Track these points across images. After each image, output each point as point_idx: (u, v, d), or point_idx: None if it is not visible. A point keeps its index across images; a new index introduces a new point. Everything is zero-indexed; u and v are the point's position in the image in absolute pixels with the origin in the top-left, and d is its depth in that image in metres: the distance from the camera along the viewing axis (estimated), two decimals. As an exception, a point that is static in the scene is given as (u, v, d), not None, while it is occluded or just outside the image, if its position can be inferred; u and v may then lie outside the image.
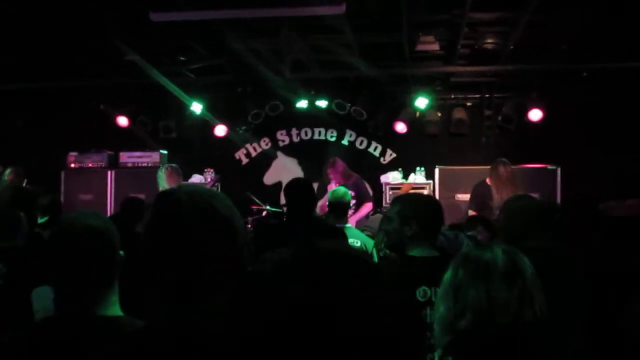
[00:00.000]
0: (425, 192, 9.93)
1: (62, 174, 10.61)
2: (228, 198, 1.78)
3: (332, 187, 8.69)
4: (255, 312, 1.14)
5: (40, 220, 6.06)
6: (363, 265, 1.23)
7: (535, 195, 9.13)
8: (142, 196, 7.78)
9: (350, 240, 5.75)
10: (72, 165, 10.73)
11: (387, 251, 3.72)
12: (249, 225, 8.87)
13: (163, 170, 8.83)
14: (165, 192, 1.80)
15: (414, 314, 2.79)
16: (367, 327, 1.14)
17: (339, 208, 6.17)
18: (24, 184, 8.79)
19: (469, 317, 2.01)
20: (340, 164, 9.03)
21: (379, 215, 7.64)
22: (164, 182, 8.67)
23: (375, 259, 5.77)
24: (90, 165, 10.72)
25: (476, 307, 2.01)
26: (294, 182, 5.65)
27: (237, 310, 1.19)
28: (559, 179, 9.80)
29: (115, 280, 2.18)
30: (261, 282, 1.19)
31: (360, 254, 1.31)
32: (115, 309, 2.16)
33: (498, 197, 8.04)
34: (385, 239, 3.69)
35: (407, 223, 3.48)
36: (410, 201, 3.75)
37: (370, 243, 5.91)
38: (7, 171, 9.10)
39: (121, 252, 2.21)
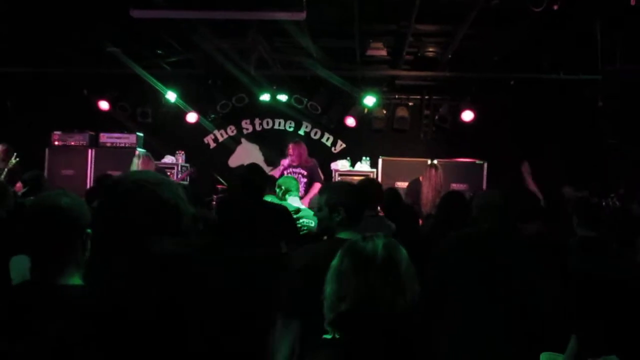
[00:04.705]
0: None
1: (47, 151, 10.35)
2: (178, 186, 1.75)
3: (287, 162, 8.58)
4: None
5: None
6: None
7: (463, 185, 9.36)
8: (118, 173, 7.59)
9: (306, 221, 5.67)
10: (56, 143, 10.44)
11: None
12: (214, 203, 8.74)
13: (137, 158, 8.60)
14: (114, 179, 1.76)
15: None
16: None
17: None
18: (13, 160, 8.54)
19: (349, 302, 2.06)
20: (304, 146, 8.90)
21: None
22: (136, 168, 8.44)
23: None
24: (72, 143, 10.45)
25: (356, 294, 2.06)
26: (250, 167, 5.42)
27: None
28: (485, 172, 9.91)
29: (78, 253, 2.13)
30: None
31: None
32: (75, 279, 2.12)
33: (424, 193, 8.14)
34: (317, 225, 3.64)
35: (335, 210, 3.39)
36: (337, 190, 3.56)
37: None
38: None
39: (89, 230, 2.13)
